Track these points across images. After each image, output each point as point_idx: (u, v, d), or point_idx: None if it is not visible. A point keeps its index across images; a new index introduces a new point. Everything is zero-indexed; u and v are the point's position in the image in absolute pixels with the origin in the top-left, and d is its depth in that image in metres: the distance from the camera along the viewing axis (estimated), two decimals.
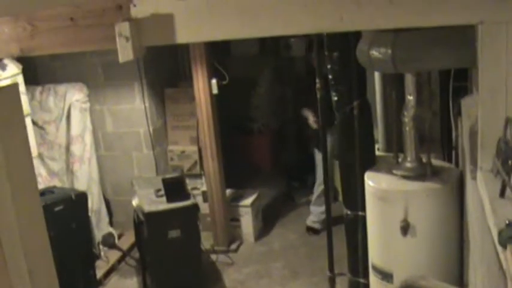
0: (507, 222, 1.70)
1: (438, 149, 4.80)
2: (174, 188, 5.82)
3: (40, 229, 1.87)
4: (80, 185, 6.86)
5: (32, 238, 1.79)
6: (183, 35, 2.63)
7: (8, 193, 1.70)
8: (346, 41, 4.01)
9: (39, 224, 1.86)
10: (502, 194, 1.92)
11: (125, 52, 2.60)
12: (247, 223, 7.13)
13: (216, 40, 2.86)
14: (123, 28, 2.53)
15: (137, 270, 6.70)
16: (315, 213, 7.09)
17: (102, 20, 2.86)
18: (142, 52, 2.84)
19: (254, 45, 8.70)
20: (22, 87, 6.16)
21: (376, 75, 5.98)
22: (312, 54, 6.16)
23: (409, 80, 3.63)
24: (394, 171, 3.76)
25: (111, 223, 7.43)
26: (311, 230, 7.08)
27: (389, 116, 5.53)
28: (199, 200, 6.85)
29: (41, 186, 6.37)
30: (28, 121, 6.22)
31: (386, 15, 2.50)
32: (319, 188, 7.02)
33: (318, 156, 6.86)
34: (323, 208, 6.60)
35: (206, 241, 6.66)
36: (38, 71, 7.25)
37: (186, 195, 5.94)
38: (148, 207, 5.76)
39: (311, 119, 6.87)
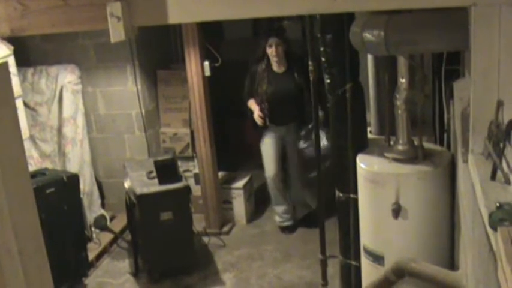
0: (498, 204, 1.70)
1: (430, 132, 4.81)
2: (166, 170, 5.82)
3: (31, 211, 1.86)
4: (72, 167, 6.85)
5: (22, 220, 1.79)
6: (175, 15, 2.61)
7: None
8: (340, 23, 3.99)
9: (29, 206, 1.85)
10: (493, 176, 1.92)
11: (116, 32, 2.58)
12: (239, 206, 7.14)
13: (209, 20, 2.84)
14: (114, 8, 2.51)
15: (129, 252, 6.71)
16: (279, 213, 6.92)
17: (94, 0, 2.84)
18: (134, 32, 2.82)
19: (247, 27, 8.67)
20: (13, 69, 6.13)
21: (369, 58, 5.96)
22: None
23: (402, 63, 3.63)
24: (386, 154, 3.76)
25: (103, 205, 7.43)
26: (285, 230, 6.87)
27: (381, 98, 5.52)
28: (191, 182, 6.86)
29: (33, 168, 6.36)
30: (19, 103, 6.19)
31: None
32: (272, 185, 6.87)
33: (264, 149, 6.84)
34: (284, 207, 6.89)
35: (198, 223, 6.67)
36: (29, 53, 7.22)
37: (178, 178, 5.94)
38: (140, 190, 5.76)
39: (256, 114, 6.56)
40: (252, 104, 6.64)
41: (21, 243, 1.76)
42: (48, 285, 1.92)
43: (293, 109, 6.51)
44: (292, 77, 6.44)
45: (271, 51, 6.35)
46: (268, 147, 6.80)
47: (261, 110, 6.50)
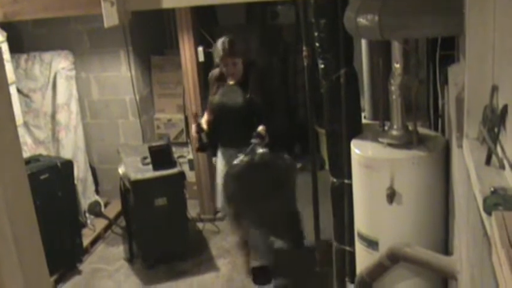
0: (492, 189, 1.70)
1: (424, 117, 4.81)
2: (161, 156, 5.83)
3: (25, 197, 1.85)
4: (66, 153, 6.85)
5: (17, 206, 1.78)
6: (169, 0, 2.61)
7: None
8: (334, 8, 3.98)
9: (24, 192, 1.85)
10: (488, 161, 1.93)
11: (110, 17, 2.58)
12: None
13: (202, 5, 2.83)
14: None
15: (123, 238, 6.72)
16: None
17: None
18: (128, 17, 2.81)
19: (241, 13, 8.65)
20: (7, 55, 6.11)
21: (363, 43, 5.96)
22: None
23: (396, 48, 3.62)
24: (380, 139, 3.76)
25: (97, 191, 7.44)
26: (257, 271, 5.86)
27: (376, 84, 5.51)
28: (185, 168, 6.87)
29: (27, 154, 6.36)
30: (13, 89, 6.19)
31: None
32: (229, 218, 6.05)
33: (219, 163, 5.78)
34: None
35: (192, 209, 6.68)
36: (23, 39, 7.20)
37: (172, 163, 5.95)
38: (134, 175, 5.77)
39: (193, 128, 5.52)
40: (204, 118, 5.69)
41: (16, 229, 1.75)
42: (43, 271, 1.92)
43: (243, 129, 5.31)
44: (246, 87, 5.43)
45: (226, 69, 5.41)
46: (218, 175, 5.80)
47: (198, 128, 5.48)
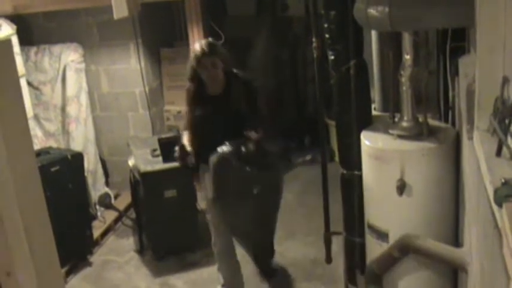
0: (503, 181, 1.70)
1: (435, 108, 4.79)
2: (170, 148, 5.82)
3: (36, 189, 1.87)
4: (76, 146, 6.86)
5: (28, 197, 1.79)
6: None
7: (3, 153, 1.69)
8: (344, 0, 3.97)
9: (35, 184, 1.86)
10: (499, 153, 1.92)
11: (120, 8, 2.58)
12: None
13: None
14: None
15: (133, 230, 6.74)
16: None
17: None
18: (137, 9, 2.81)
19: (250, 4, 8.64)
20: (17, 48, 6.13)
21: (373, 34, 5.96)
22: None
23: (406, 39, 3.61)
24: (391, 131, 3.76)
25: (107, 183, 7.45)
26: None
27: (386, 75, 5.51)
28: None
29: (37, 147, 6.38)
30: (23, 82, 6.20)
31: None
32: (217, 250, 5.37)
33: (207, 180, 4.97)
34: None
35: (202, 201, 6.68)
36: (32, 32, 7.21)
37: None
38: (144, 167, 5.77)
39: (177, 153, 4.89)
40: (185, 137, 5.02)
41: (27, 221, 1.76)
42: (54, 262, 1.93)
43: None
44: (231, 100, 4.85)
45: (205, 74, 4.77)
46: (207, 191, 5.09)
47: (183, 151, 4.88)
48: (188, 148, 4.85)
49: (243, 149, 4.61)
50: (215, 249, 5.29)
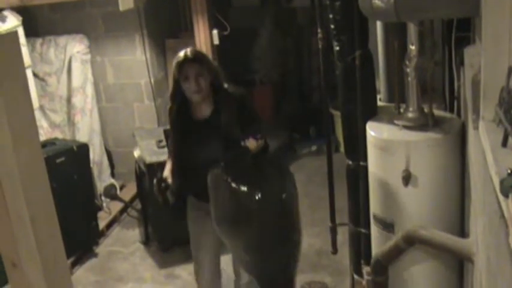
0: (509, 171, 1.70)
1: (440, 99, 4.79)
2: None
3: (42, 179, 1.87)
4: (82, 137, 6.88)
5: (34, 188, 1.80)
6: None
7: (9, 145, 1.70)
8: None
9: (41, 175, 1.86)
10: (504, 143, 1.92)
11: (125, 0, 2.57)
12: None
13: None
14: None
15: (139, 221, 6.76)
16: None
17: None
18: (143, 0, 2.80)
19: None
20: (22, 39, 6.13)
21: (378, 24, 5.95)
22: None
23: (412, 30, 3.60)
24: (396, 122, 3.75)
25: (112, 174, 7.47)
26: None
27: (391, 66, 5.50)
28: None
29: (43, 138, 6.40)
30: (29, 73, 6.21)
31: None
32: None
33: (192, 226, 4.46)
34: None
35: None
36: (38, 23, 7.23)
37: None
38: (149, 158, 5.78)
39: (155, 186, 4.17)
40: (167, 168, 4.33)
41: (33, 212, 1.77)
42: (60, 253, 1.93)
43: None
44: (221, 123, 4.03)
45: (188, 86, 3.99)
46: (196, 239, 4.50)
47: (159, 182, 4.18)
48: (169, 180, 4.17)
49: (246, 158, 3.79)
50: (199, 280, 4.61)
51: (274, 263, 3.95)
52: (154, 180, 4.19)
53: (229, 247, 4.13)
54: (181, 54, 4.03)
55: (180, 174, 4.19)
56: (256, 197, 3.64)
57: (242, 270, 4.37)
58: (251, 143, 3.79)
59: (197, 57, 4.03)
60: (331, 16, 4.15)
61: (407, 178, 3.55)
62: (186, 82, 3.97)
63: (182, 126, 4.20)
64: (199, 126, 4.12)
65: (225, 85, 4.13)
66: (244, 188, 3.65)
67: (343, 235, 5.18)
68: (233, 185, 3.65)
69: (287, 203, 3.84)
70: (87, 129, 7.03)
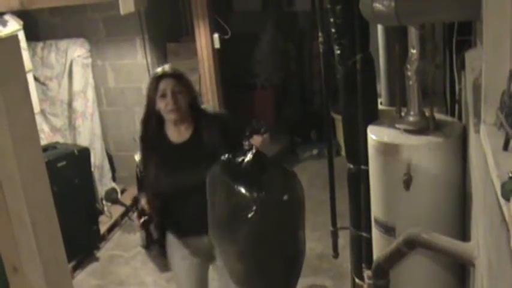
0: (510, 175, 1.69)
1: (441, 102, 4.79)
2: None
3: (43, 183, 1.87)
4: (83, 141, 6.89)
5: (35, 192, 1.80)
6: None
7: (10, 149, 1.70)
8: None
9: (42, 179, 1.86)
10: (506, 147, 1.91)
11: (126, 3, 2.57)
12: None
13: None
14: None
15: None
16: None
17: None
18: (144, 4, 2.80)
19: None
20: (23, 43, 6.14)
21: (379, 28, 5.95)
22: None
23: (413, 33, 3.60)
24: (397, 125, 3.75)
25: (114, 178, 7.47)
26: None
27: (392, 69, 5.50)
28: None
29: (44, 142, 6.41)
30: (30, 77, 6.22)
31: None
32: None
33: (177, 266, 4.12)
34: None
35: None
36: (39, 27, 7.24)
37: None
38: None
39: (135, 220, 4.03)
40: (143, 201, 3.95)
41: (34, 216, 1.77)
42: (61, 257, 1.93)
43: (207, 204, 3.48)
44: (203, 146, 3.69)
45: (164, 103, 3.64)
46: (183, 278, 4.13)
47: (140, 215, 3.91)
48: (147, 212, 3.82)
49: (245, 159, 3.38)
50: None
51: (270, 276, 3.52)
52: (134, 215, 3.73)
53: (222, 257, 3.65)
54: (159, 69, 3.76)
55: (159, 207, 3.80)
56: (254, 196, 3.24)
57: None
58: (256, 140, 3.55)
59: (176, 73, 3.73)
60: (332, 20, 4.15)
61: (408, 182, 3.54)
62: (163, 100, 3.63)
63: (158, 153, 3.78)
64: (178, 150, 3.75)
65: (204, 107, 3.87)
66: (242, 188, 3.27)
67: (344, 239, 5.18)
68: (231, 184, 3.29)
69: (289, 205, 3.40)
70: (88, 133, 7.04)
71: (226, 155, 3.40)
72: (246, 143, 3.46)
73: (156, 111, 3.68)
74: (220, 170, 3.37)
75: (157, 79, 3.65)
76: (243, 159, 3.36)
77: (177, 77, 3.68)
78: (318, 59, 5.38)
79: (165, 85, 3.62)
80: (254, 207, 3.23)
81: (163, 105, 3.62)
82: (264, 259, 3.43)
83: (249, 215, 3.24)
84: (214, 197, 3.41)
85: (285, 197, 3.37)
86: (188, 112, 3.70)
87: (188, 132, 3.73)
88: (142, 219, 3.77)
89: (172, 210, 3.76)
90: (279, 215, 3.38)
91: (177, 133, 3.74)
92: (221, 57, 6.85)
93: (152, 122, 3.75)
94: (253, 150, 3.35)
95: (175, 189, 3.68)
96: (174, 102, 3.59)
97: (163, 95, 3.61)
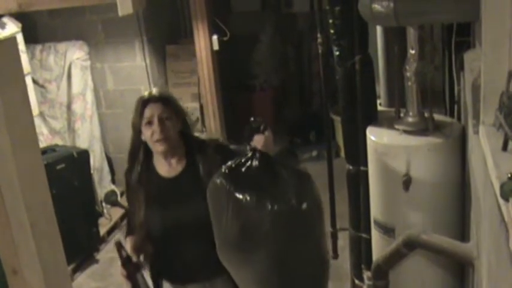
0: (509, 175, 1.69)
1: (440, 103, 4.79)
2: None
3: (42, 186, 1.87)
4: (82, 143, 6.88)
5: (34, 195, 1.80)
6: None
7: (9, 151, 1.70)
8: None
9: (41, 182, 1.86)
10: (505, 147, 1.92)
11: (125, 5, 2.57)
12: None
13: None
14: None
15: None
16: None
17: None
18: (142, 5, 2.80)
19: (255, 1, 8.67)
20: (22, 46, 6.14)
21: (378, 29, 5.95)
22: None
23: (412, 34, 3.60)
24: (396, 126, 3.75)
25: (113, 181, 7.46)
26: None
27: (391, 70, 5.49)
28: None
29: (43, 144, 6.40)
30: (29, 80, 6.22)
31: None
32: None
33: None
34: None
35: None
36: (37, 30, 7.24)
37: None
38: None
39: (121, 269, 3.39)
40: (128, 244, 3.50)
41: (33, 218, 1.77)
42: (61, 259, 1.93)
43: (207, 246, 3.02)
44: (199, 179, 3.18)
45: (151, 132, 3.18)
46: None
47: (124, 263, 3.37)
48: (134, 259, 3.37)
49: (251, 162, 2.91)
50: None
51: None
52: (120, 262, 3.33)
53: (235, 279, 3.08)
54: (145, 93, 3.31)
55: (152, 253, 3.39)
56: (268, 208, 2.76)
57: None
58: (258, 140, 2.99)
59: (163, 97, 3.27)
60: (331, 21, 4.15)
61: (407, 183, 3.55)
62: (149, 127, 3.17)
63: (146, 190, 3.29)
64: (169, 186, 3.29)
65: (196, 134, 3.46)
66: (252, 199, 2.78)
67: (343, 240, 5.18)
68: (237, 194, 2.80)
69: (309, 214, 2.91)
70: (87, 135, 7.04)
71: (228, 164, 2.92)
72: (247, 147, 3.00)
73: (143, 142, 3.25)
74: (223, 182, 2.85)
75: (142, 104, 3.20)
76: (248, 167, 2.88)
77: (164, 101, 3.23)
78: (317, 60, 5.38)
79: (151, 111, 3.17)
80: (268, 222, 2.78)
81: (149, 134, 3.17)
82: (284, 281, 2.95)
83: (263, 231, 2.80)
84: (218, 214, 2.89)
85: (304, 206, 2.87)
86: (179, 141, 3.27)
87: (181, 165, 3.29)
88: (127, 269, 3.31)
89: (167, 255, 3.32)
90: (299, 227, 2.90)
91: (167, 167, 3.29)
92: (220, 58, 6.85)
93: (139, 153, 3.31)
94: (258, 154, 2.91)
95: (169, 231, 3.26)
96: (161, 130, 3.14)
97: (149, 123, 3.16)
